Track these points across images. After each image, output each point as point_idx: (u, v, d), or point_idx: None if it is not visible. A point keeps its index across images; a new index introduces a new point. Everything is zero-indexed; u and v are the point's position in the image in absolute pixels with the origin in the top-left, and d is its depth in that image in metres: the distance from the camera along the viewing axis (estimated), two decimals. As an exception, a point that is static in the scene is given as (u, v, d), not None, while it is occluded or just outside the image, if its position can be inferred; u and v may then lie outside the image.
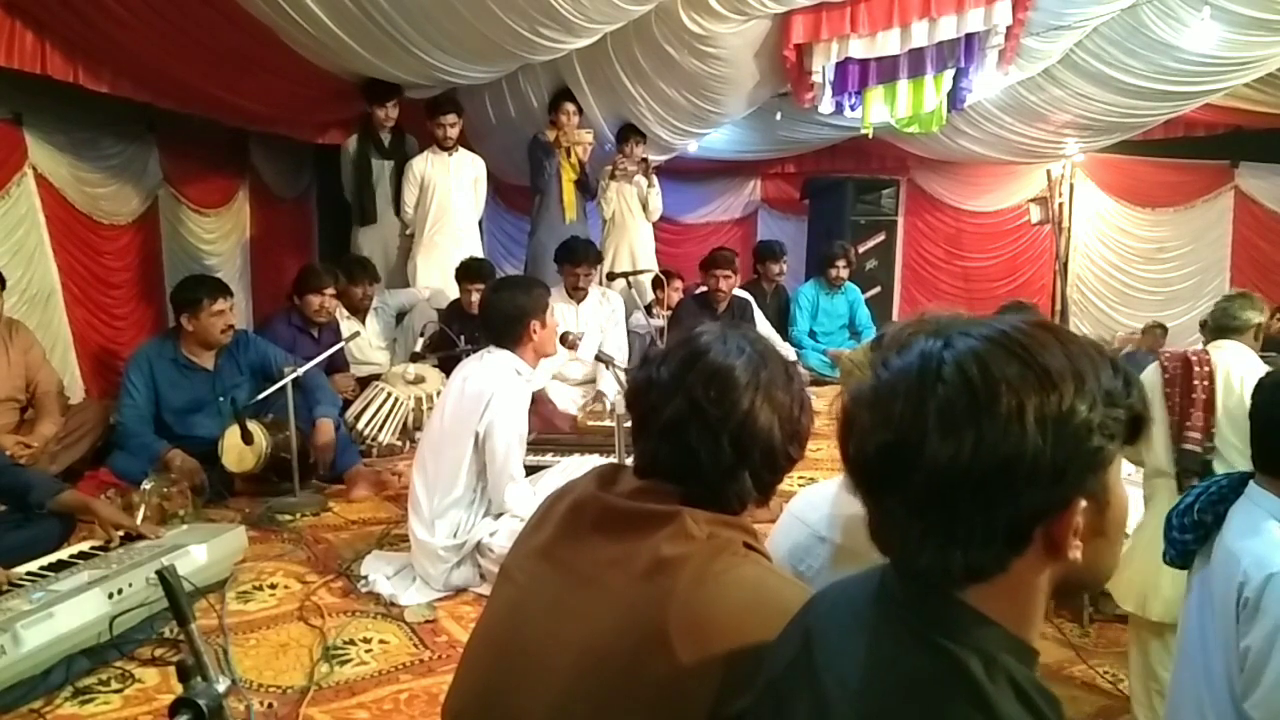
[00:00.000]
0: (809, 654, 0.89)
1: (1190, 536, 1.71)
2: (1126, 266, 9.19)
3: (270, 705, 2.28)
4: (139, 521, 2.93)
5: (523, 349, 3.03)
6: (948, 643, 0.78)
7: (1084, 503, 0.78)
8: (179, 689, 1.05)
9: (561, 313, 5.10)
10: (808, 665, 0.89)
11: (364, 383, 4.65)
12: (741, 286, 6.43)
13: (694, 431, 1.16)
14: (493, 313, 3.07)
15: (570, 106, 5.88)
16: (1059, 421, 0.74)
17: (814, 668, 0.88)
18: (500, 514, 3.05)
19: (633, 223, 6.46)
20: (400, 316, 5.55)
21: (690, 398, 1.16)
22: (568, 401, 5.00)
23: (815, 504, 1.46)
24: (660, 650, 1.03)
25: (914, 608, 0.82)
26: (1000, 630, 0.79)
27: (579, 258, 5.26)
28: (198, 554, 2.75)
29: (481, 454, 2.96)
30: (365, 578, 3.00)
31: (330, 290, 4.74)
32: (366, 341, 5.24)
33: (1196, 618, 1.68)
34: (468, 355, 3.46)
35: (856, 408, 0.82)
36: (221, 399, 3.94)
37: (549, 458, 3.72)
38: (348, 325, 5.00)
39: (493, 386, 2.94)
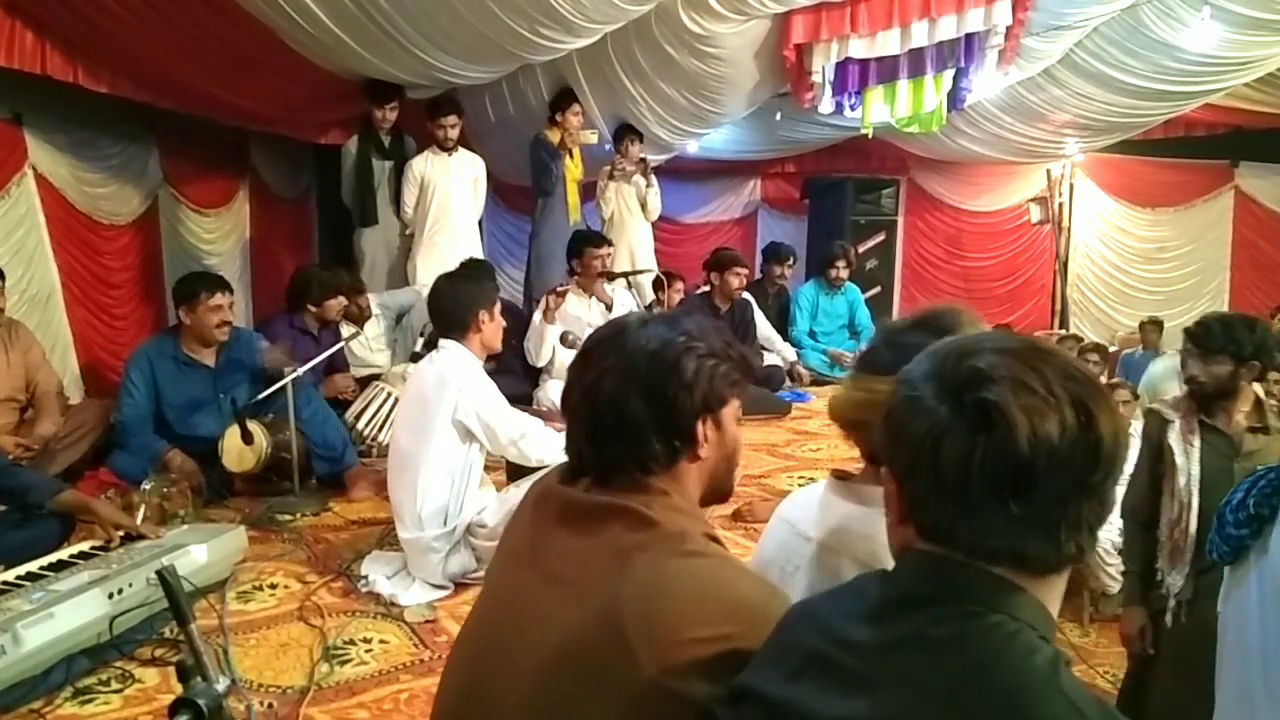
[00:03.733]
0: (829, 670, 0.88)
1: (1246, 531, 1.70)
2: (1126, 266, 9.19)
3: (270, 705, 2.27)
4: (139, 521, 2.92)
5: (470, 340, 3.03)
6: (1018, 623, 0.83)
7: None
8: (179, 689, 1.05)
9: (588, 310, 5.14)
10: (829, 680, 0.87)
11: (364, 383, 4.66)
12: (745, 286, 6.44)
13: (630, 406, 1.18)
14: (442, 301, 3.08)
15: (578, 108, 5.88)
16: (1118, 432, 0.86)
17: (843, 677, 0.86)
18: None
19: (631, 223, 6.46)
20: (401, 317, 5.55)
21: (631, 378, 1.19)
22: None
23: (802, 505, 1.47)
24: (619, 645, 1.05)
25: (981, 596, 0.84)
26: (1047, 612, 0.87)
27: (600, 239, 5.39)
28: (198, 554, 2.75)
29: (466, 438, 2.97)
30: (365, 578, 3.00)
31: (344, 288, 4.78)
32: (366, 345, 5.24)
33: (1258, 611, 1.65)
34: (422, 359, 3.47)
35: (1006, 408, 0.80)
36: (222, 396, 3.93)
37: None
38: (347, 327, 5.00)
39: (452, 376, 2.95)
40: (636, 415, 1.18)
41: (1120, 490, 2.37)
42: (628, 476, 1.19)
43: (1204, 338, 2.41)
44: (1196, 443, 2.41)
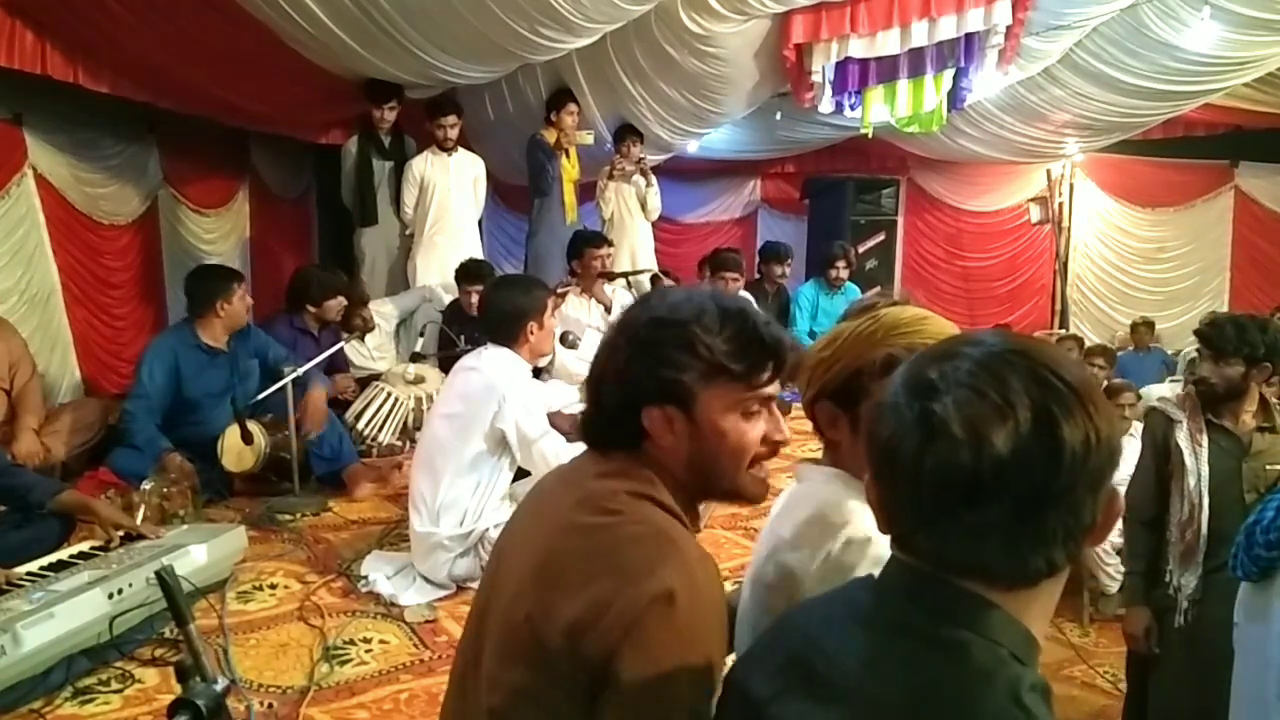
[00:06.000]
0: (808, 676, 0.88)
1: (1276, 554, 1.68)
2: (1126, 266, 9.19)
3: (270, 705, 2.28)
4: (139, 521, 2.93)
5: (519, 348, 3.04)
6: (985, 641, 0.80)
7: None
8: (179, 689, 1.05)
9: (588, 312, 5.12)
10: (807, 687, 0.87)
11: (364, 383, 4.65)
12: (744, 287, 6.43)
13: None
14: (491, 312, 3.08)
15: (574, 107, 5.88)
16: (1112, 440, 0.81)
17: (819, 686, 0.86)
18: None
19: (631, 223, 6.45)
20: (404, 321, 5.55)
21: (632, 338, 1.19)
22: (570, 402, 5.00)
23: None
24: (524, 594, 1.10)
25: (948, 611, 0.82)
26: (1025, 630, 0.82)
27: (600, 239, 5.38)
28: (198, 554, 2.75)
29: (499, 447, 2.98)
30: (365, 578, 3.00)
31: (344, 290, 4.79)
32: (368, 355, 5.22)
33: (1278, 630, 1.63)
34: (467, 353, 3.46)
35: (947, 419, 0.79)
36: (237, 384, 3.99)
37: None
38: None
39: (502, 385, 2.95)
40: (611, 383, 1.19)
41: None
42: (612, 446, 1.20)
43: (1217, 339, 2.36)
44: (1205, 442, 2.38)
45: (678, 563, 1.05)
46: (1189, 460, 2.36)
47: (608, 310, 5.23)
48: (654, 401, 1.15)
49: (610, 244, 5.49)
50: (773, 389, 1.19)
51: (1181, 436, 2.39)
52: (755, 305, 1.23)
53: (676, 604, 1.01)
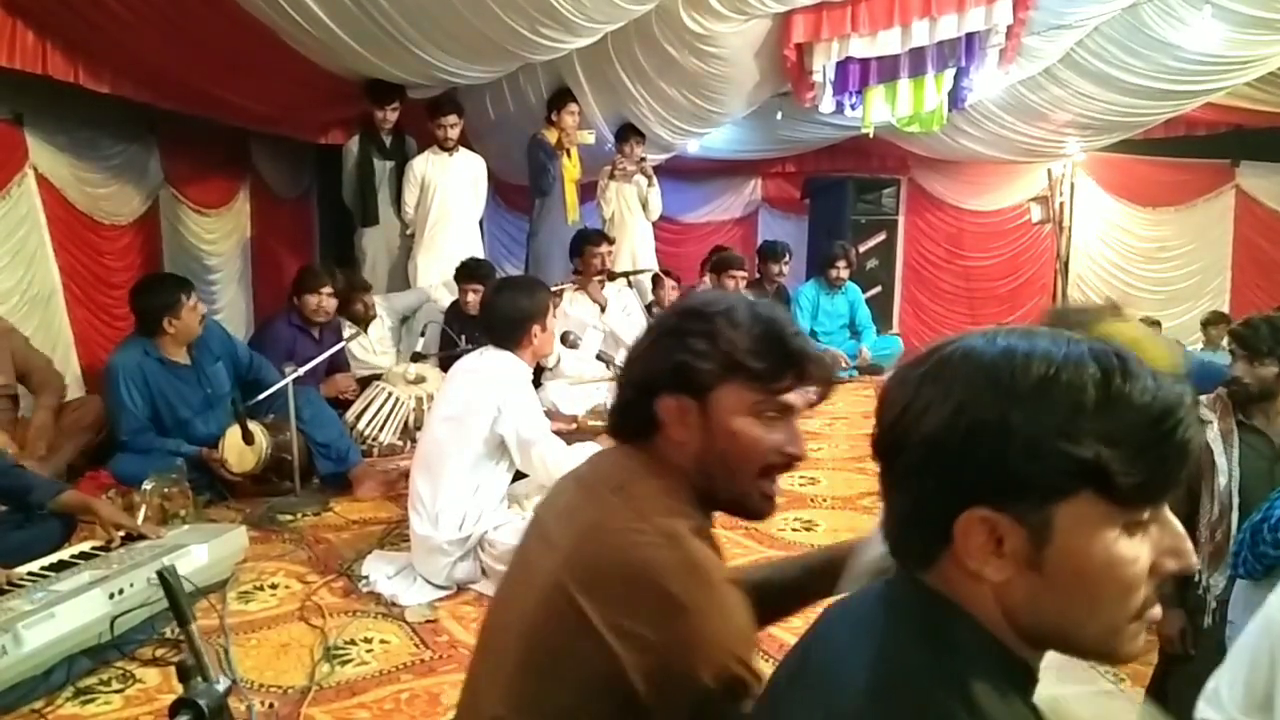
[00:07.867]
0: (806, 665, 0.89)
1: None
2: (1127, 266, 9.18)
3: (271, 705, 2.27)
4: (140, 522, 2.92)
5: (521, 351, 3.03)
6: (935, 639, 0.77)
7: (991, 517, 0.73)
8: (180, 689, 1.05)
9: (586, 313, 5.13)
10: (804, 674, 0.88)
11: (364, 383, 4.66)
12: (745, 286, 6.43)
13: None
14: (494, 315, 3.07)
15: (575, 107, 5.88)
16: (978, 427, 0.73)
17: (814, 675, 0.87)
18: (508, 504, 3.09)
19: (632, 222, 6.46)
20: (405, 319, 5.55)
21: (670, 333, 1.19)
22: (570, 402, 5.00)
23: None
24: (570, 611, 1.04)
25: (908, 604, 0.82)
26: (988, 636, 0.77)
27: (600, 237, 5.40)
28: (199, 554, 2.75)
29: (497, 451, 2.97)
30: (366, 578, 3.00)
31: (327, 289, 4.72)
32: (370, 349, 5.23)
33: None
34: (467, 355, 3.46)
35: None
36: (209, 391, 3.92)
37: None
38: (349, 327, 4.99)
39: (499, 387, 2.94)
40: (634, 369, 1.20)
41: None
42: (630, 436, 1.20)
43: (1252, 340, 2.37)
44: (1236, 443, 2.39)
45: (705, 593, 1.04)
46: (1220, 460, 2.36)
47: (603, 310, 5.23)
48: (669, 389, 1.13)
49: (611, 241, 5.49)
50: (794, 399, 1.15)
51: (1212, 437, 2.39)
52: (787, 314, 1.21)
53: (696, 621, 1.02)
